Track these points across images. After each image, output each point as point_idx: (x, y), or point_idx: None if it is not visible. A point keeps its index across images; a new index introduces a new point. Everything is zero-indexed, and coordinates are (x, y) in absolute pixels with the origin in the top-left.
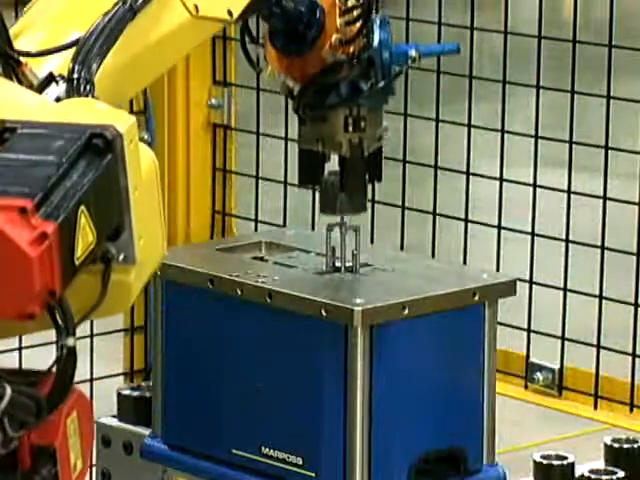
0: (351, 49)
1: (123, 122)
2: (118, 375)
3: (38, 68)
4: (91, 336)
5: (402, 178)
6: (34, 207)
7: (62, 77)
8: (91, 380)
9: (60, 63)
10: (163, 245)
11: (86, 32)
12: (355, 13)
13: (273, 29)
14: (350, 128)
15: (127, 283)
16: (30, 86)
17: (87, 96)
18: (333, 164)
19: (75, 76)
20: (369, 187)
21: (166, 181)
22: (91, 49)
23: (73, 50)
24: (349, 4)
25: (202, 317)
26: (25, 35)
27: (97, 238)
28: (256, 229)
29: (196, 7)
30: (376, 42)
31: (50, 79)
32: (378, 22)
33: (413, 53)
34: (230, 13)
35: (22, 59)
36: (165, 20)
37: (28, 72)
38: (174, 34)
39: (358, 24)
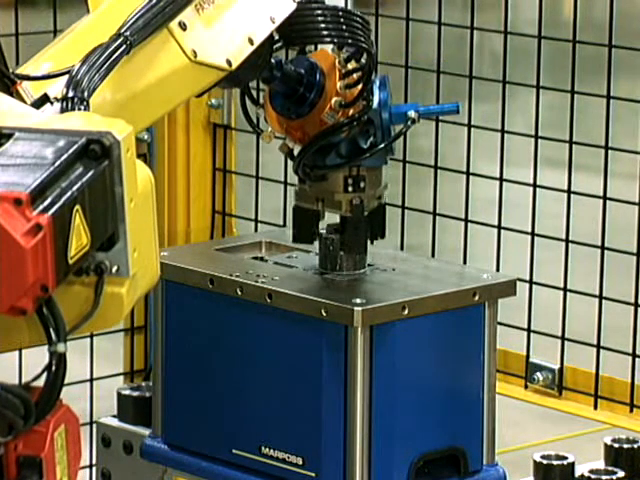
0: (351, 111)
1: (121, 130)
2: (118, 375)
3: (36, 93)
4: (91, 336)
5: (402, 178)
6: (29, 199)
7: (56, 99)
8: (91, 380)
9: (57, 91)
10: (157, 264)
11: (81, 59)
12: (355, 76)
13: (273, 91)
14: (350, 188)
15: (120, 295)
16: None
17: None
18: (328, 219)
19: (70, 95)
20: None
21: (166, 181)
22: (84, 75)
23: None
24: (349, 67)
25: (202, 317)
26: (30, 66)
27: (91, 242)
28: (256, 229)
29: (194, 52)
30: (376, 103)
31: (44, 99)
32: (377, 83)
33: (412, 114)
34: (229, 63)
35: (17, 80)
36: (162, 60)
37: (22, 91)
38: (171, 76)
39: (359, 87)
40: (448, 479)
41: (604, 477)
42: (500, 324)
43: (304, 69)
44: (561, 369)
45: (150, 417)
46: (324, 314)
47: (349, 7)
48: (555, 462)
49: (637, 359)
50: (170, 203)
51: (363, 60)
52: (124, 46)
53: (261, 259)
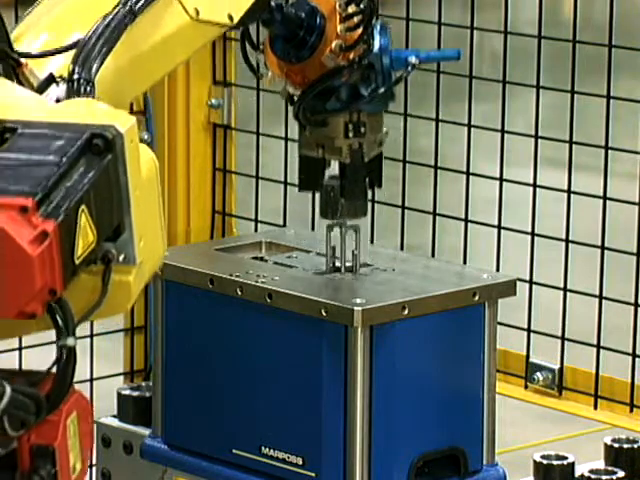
0: (351, 55)
1: (124, 122)
2: (118, 375)
3: (39, 69)
4: (91, 336)
5: (402, 178)
6: (35, 206)
7: (62, 78)
8: (91, 380)
9: (61, 65)
10: (163, 245)
11: (86, 34)
12: (356, 19)
13: (273, 35)
14: (350, 133)
15: (127, 283)
16: (31, 87)
17: (88, 96)
18: (333, 169)
19: (75, 77)
20: (369, 191)
21: (166, 181)
22: (91, 51)
23: (73, 52)
24: (350, 10)
25: (202, 317)
26: (27, 37)
27: (97, 237)
28: (256, 229)
29: (197, 11)
30: (376, 48)
31: (50, 80)
32: (378, 28)
33: (413, 59)
34: (231, 18)
35: (22, 60)
36: (165, 23)
37: (28, 73)
38: (174, 37)
39: (359, 30)
40: (448, 479)
41: (604, 477)
42: (500, 324)
43: (304, 12)
44: (561, 369)
45: (150, 417)
46: (324, 314)
47: None
48: (555, 462)
49: (637, 359)
50: (170, 203)
51: (363, 4)
52: (129, 16)
53: (261, 259)
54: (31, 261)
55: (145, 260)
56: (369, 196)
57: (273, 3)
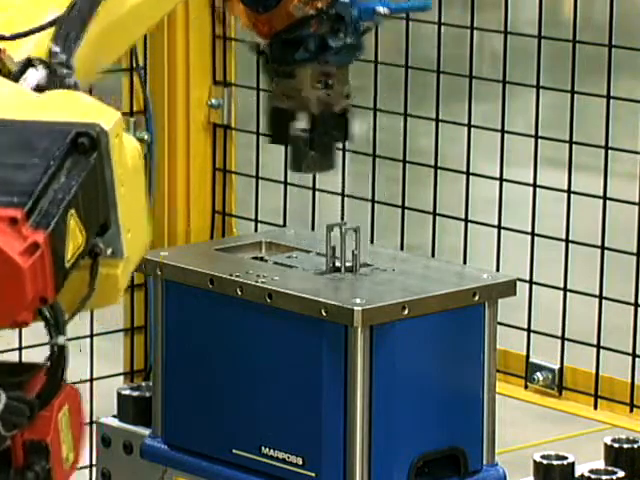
0: (319, 4)
1: (108, 118)
2: (118, 375)
3: (15, 52)
4: (91, 336)
5: (402, 178)
6: (24, 216)
7: (41, 61)
8: (91, 380)
9: (38, 45)
10: (148, 233)
11: (65, 11)
12: None
13: None
14: (318, 85)
15: (115, 276)
16: (8, 73)
17: (69, 84)
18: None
19: (56, 61)
20: (344, 148)
21: (166, 181)
22: (71, 28)
23: (50, 31)
24: None
25: (202, 317)
26: None
27: (86, 237)
28: (256, 229)
29: None
30: None
31: (27, 64)
32: None
33: (381, 10)
34: None
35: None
36: None
37: (6, 59)
38: (146, 2)
39: None
40: (448, 479)
41: (604, 477)
42: (500, 324)
43: None
44: (561, 369)
45: (150, 417)
46: (324, 314)
47: None
48: (555, 462)
49: (637, 359)
50: (170, 203)
51: None
52: None
53: (261, 259)
54: (22, 273)
55: (131, 252)
56: (369, 195)
57: None
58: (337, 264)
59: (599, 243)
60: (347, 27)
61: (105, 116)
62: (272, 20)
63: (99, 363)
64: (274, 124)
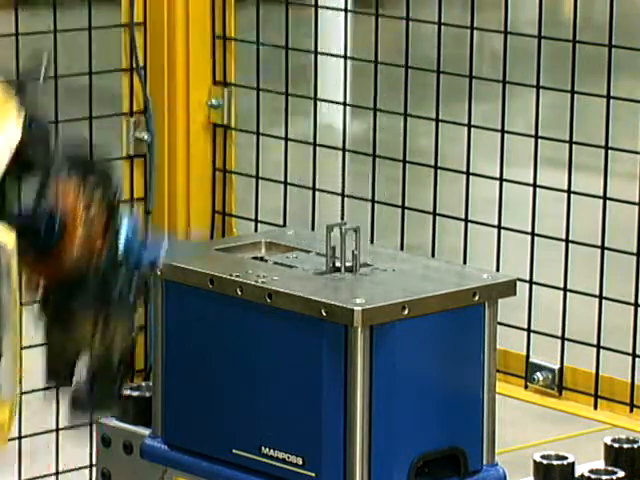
0: (94, 259)
1: (8, 236)
2: None
3: None
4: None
5: (402, 178)
6: None
7: None
8: None
9: None
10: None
11: None
12: (99, 210)
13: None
14: (97, 334)
15: (1, 425)
16: None
17: None
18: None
19: None
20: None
21: (166, 181)
22: None
23: None
24: (94, 199)
25: (202, 317)
26: None
27: None
28: (256, 229)
29: None
30: (124, 244)
31: None
32: (126, 220)
33: (160, 258)
34: None
35: None
36: None
37: None
38: None
39: (103, 221)
40: (448, 479)
41: (604, 477)
42: (500, 324)
43: (43, 205)
44: (561, 369)
45: (150, 417)
46: (324, 314)
47: (349, 7)
48: (555, 462)
49: (637, 359)
50: (170, 203)
51: (106, 199)
52: None
53: (261, 259)
54: None
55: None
56: (369, 195)
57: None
58: (337, 264)
59: (599, 243)
60: (124, 277)
61: (3, 234)
62: (49, 265)
63: None
64: (54, 366)
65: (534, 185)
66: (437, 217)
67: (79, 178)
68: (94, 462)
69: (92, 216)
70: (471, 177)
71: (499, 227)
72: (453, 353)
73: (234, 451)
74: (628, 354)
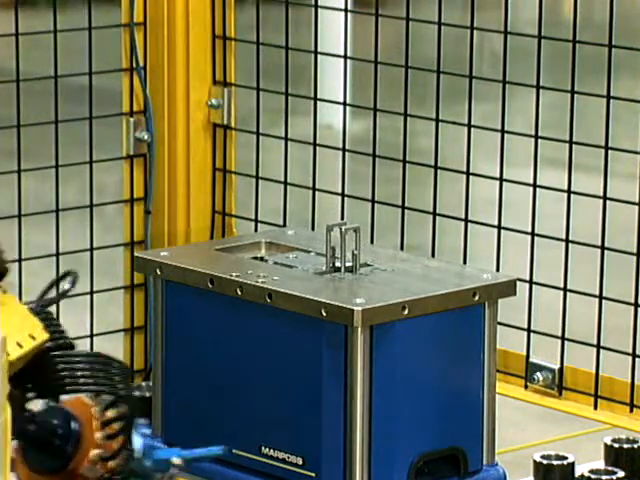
0: (111, 464)
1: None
2: None
3: None
4: (91, 336)
5: (402, 178)
6: None
7: None
8: None
9: None
10: None
11: None
12: (116, 426)
13: (26, 445)
14: None
15: None
16: None
17: None
18: None
19: None
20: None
21: (166, 181)
22: None
23: None
24: (108, 415)
25: (202, 317)
26: None
27: None
28: (256, 229)
29: None
30: (137, 453)
31: None
32: (138, 430)
33: (175, 460)
34: None
35: None
36: None
37: None
38: None
39: (120, 438)
40: (448, 479)
41: (604, 477)
42: (500, 324)
43: (58, 418)
44: (561, 369)
45: (150, 417)
46: (324, 314)
47: (349, 7)
48: (555, 462)
49: (637, 359)
50: (170, 203)
51: (122, 407)
52: None
53: (261, 259)
54: None
55: None
56: (369, 195)
57: (26, 414)
58: (337, 264)
59: (599, 243)
60: (142, 478)
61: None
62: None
63: None
64: None
65: (534, 185)
66: (437, 217)
67: (98, 400)
68: None
69: (110, 430)
70: (471, 177)
71: (499, 227)
72: (453, 353)
73: (234, 451)
74: (628, 354)
